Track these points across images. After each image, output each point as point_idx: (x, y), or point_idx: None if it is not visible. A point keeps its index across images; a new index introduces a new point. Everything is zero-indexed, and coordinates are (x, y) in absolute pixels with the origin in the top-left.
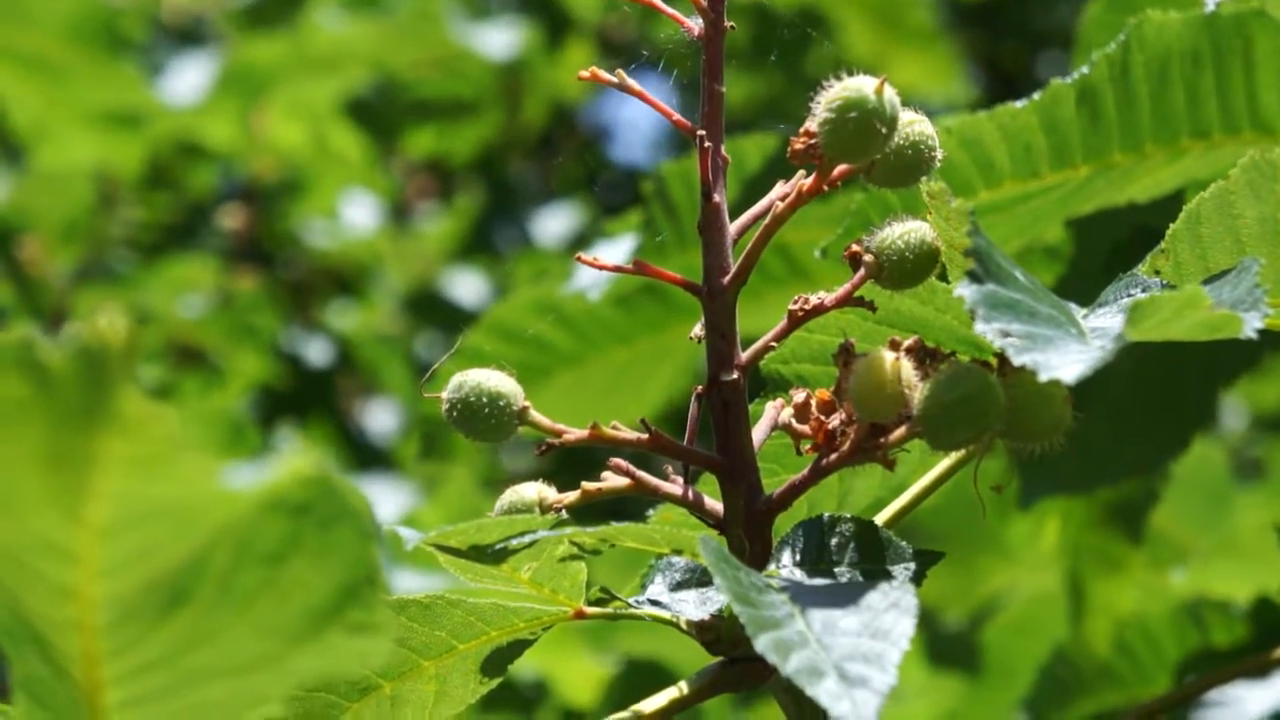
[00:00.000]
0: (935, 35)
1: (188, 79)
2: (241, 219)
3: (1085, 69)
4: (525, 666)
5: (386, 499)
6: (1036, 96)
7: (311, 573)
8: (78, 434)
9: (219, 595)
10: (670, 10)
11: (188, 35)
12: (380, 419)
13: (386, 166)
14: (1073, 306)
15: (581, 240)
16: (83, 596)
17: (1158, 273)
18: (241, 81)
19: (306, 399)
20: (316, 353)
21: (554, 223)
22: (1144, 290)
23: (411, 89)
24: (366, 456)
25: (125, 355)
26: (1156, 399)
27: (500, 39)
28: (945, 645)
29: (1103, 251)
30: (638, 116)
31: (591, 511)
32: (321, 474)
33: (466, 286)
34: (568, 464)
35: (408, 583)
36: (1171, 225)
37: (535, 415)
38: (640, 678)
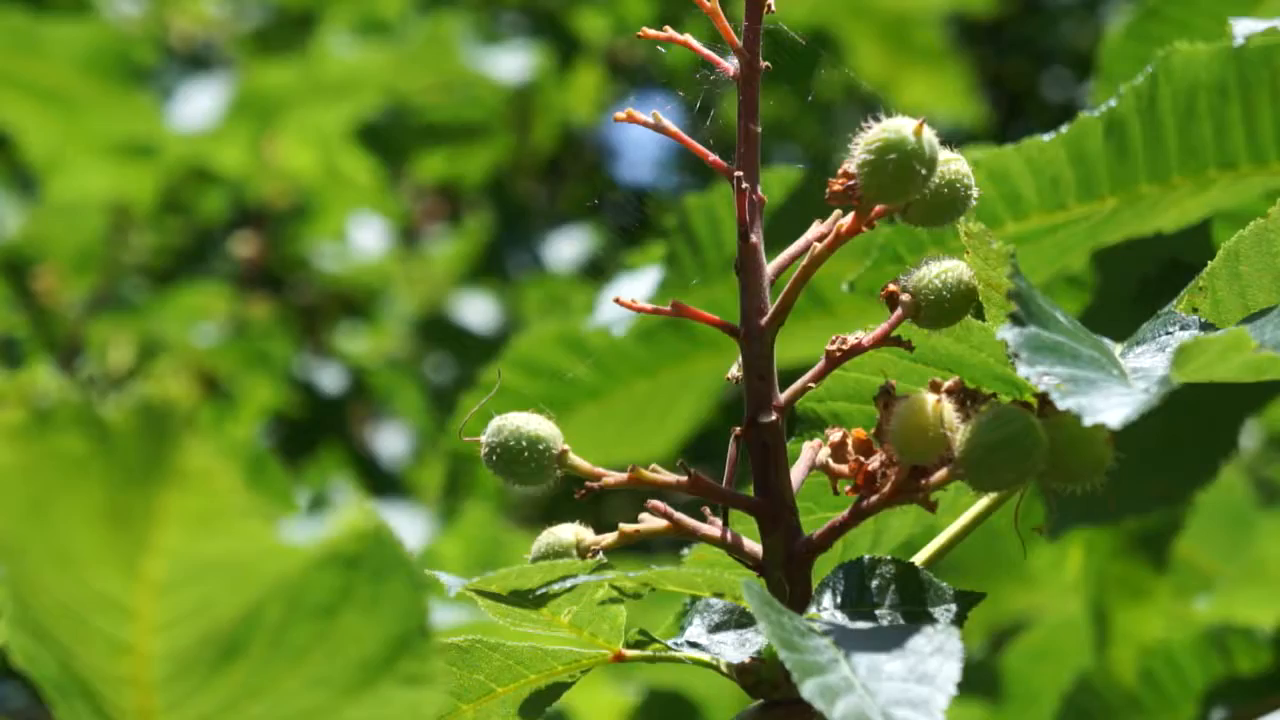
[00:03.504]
0: (944, 55)
1: (197, 104)
2: (253, 247)
3: (1112, 101)
4: None
5: (403, 527)
6: (1064, 129)
7: (364, 624)
8: (137, 490)
9: (272, 648)
10: (706, 51)
11: (197, 60)
12: (393, 444)
13: (396, 190)
14: (1108, 342)
15: (593, 264)
16: (138, 652)
17: (1195, 310)
18: (253, 107)
19: (320, 426)
20: (329, 379)
21: (564, 245)
22: (1183, 328)
23: (422, 113)
24: (380, 483)
25: (184, 410)
26: (1184, 429)
27: (511, 63)
28: (966, 672)
29: (1128, 280)
30: (645, 136)
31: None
32: (374, 526)
33: (476, 309)
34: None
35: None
36: (1210, 263)
37: (574, 459)
38: (662, 709)
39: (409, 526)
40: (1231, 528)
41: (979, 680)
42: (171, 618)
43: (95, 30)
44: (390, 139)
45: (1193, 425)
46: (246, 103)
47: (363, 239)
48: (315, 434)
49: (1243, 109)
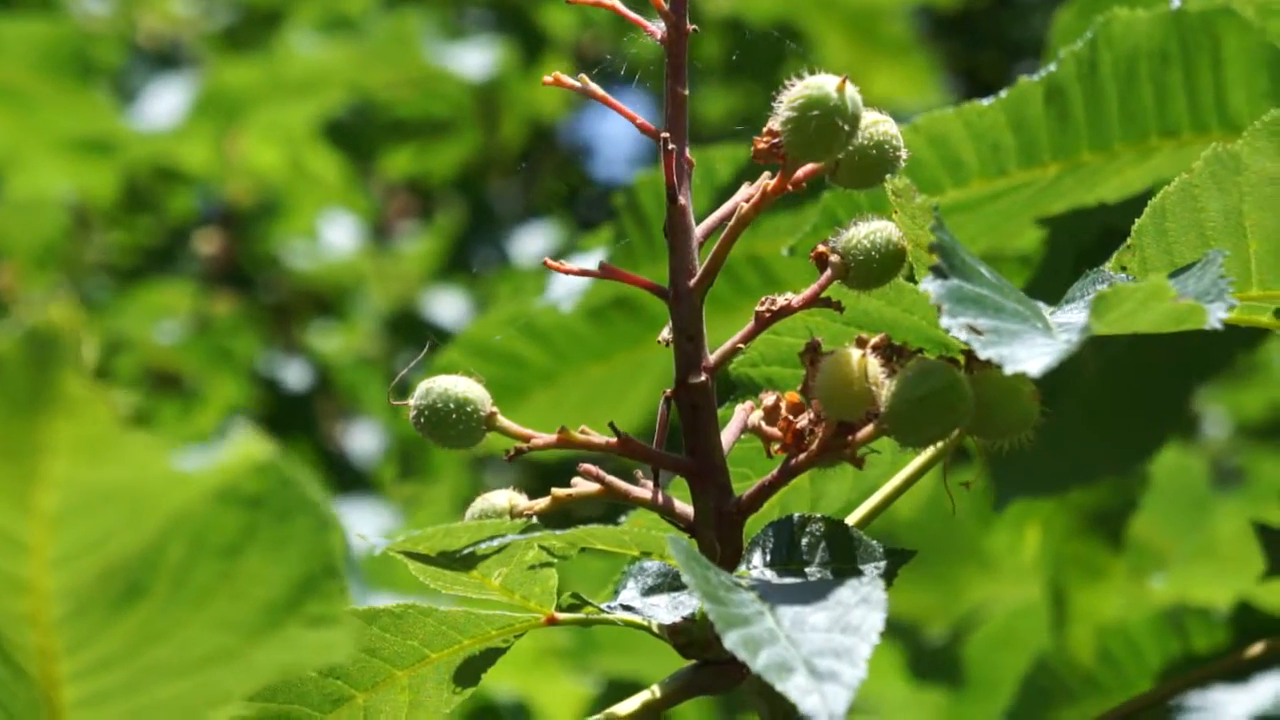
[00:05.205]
0: (911, 46)
1: (165, 102)
2: (217, 244)
3: (1052, 66)
4: (505, 689)
5: (367, 522)
6: (1004, 94)
7: (268, 566)
8: (24, 420)
9: (174, 589)
10: (632, 15)
11: (164, 58)
12: (361, 441)
13: (365, 187)
14: (1040, 305)
15: (559, 258)
16: (36, 588)
17: (1124, 269)
18: (217, 105)
19: (285, 422)
20: (295, 376)
21: (533, 241)
22: (1110, 285)
23: (388, 110)
24: (347, 479)
25: (68, 339)
26: (1129, 399)
27: (476, 59)
28: (927, 659)
29: (1071, 254)
30: (618, 132)
31: (562, 522)
32: (274, 462)
33: (447, 306)
34: (550, 481)
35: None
36: (1137, 221)
37: (503, 421)
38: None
39: (375, 522)
40: (1188, 508)
41: (941, 668)
42: (67, 551)
43: (52, 28)
44: (357, 136)
45: (1139, 394)
46: (211, 101)
47: (333, 236)
48: (282, 431)
49: (1184, 76)
